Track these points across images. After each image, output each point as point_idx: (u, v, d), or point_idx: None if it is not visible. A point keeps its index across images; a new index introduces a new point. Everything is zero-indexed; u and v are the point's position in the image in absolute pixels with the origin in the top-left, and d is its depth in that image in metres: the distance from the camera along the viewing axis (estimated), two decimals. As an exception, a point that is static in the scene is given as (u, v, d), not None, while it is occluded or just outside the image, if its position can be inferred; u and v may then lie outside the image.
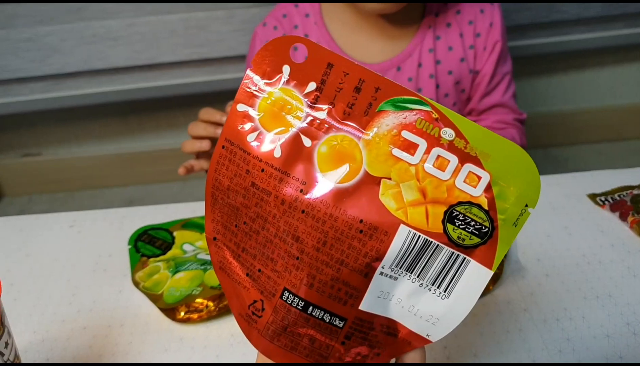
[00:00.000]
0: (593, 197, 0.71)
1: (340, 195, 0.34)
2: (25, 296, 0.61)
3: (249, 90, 0.35)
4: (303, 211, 0.35)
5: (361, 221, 0.34)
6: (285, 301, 0.36)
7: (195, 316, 0.55)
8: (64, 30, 1.21)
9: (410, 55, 0.82)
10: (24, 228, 0.72)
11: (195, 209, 0.72)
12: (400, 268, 0.35)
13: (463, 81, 0.85)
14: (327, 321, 0.36)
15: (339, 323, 0.36)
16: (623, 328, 0.54)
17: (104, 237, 0.69)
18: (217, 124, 0.74)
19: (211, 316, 0.56)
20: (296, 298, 0.35)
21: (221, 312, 0.56)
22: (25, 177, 1.57)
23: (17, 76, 1.27)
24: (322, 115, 0.35)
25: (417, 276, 0.35)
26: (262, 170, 0.35)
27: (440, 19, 0.83)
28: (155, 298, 0.57)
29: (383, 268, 0.35)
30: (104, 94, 1.32)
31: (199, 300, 0.56)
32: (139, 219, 0.71)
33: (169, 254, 0.64)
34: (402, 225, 0.34)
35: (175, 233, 0.67)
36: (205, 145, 0.73)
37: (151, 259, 0.63)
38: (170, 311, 0.56)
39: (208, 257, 0.62)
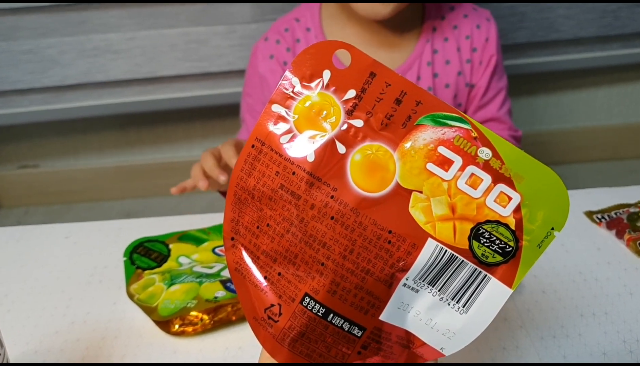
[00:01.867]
0: (590, 214, 0.71)
1: (370, 204, 0.34)
2: (19, 308, 0.60)
3: (286, 91, 0.35)
4: (332, 218, 0.34)
5: (390, 231, 0.34)
6: (306, 307, 0.35)
7: (189, 329, 0.55)
8: (64, 43, 1.22)
9: (410, 69, 0.83)
10: (20, 238, 0.72)
11: (192, 222, 0.72)
12: (423, 281, 0.35)
13: (459, 95, 0.86)
14: (347, 329, 0.35)
15: (358, 332, 0.36)
16: (619, 345, 0.53)
17: (99, 249, 0.69)
18: (226, 167, 0.73)
19: (206, 330, 0.55)
20: (317, 304, 0.35)
21: (216, 325, 0.55)
22: (22, 189, 1.56)
23: (17, 88, 1.27)
24: (359, 123, 0.35)
25: (439, 290, 0.35)
26: (293, 173, 0.35)
27: (437, 34, 0.84)
28: (149, 311, 0.57)
29: (407, 279, 0.35)
30: (103, 107, 1.32)
31: (193, 313, 0.55)
32: (135, 231, 0.70)
33: (165, 266, 0.64)
34: (430, 239, 0.34)
35: (171, 246, 0.67)
36: (202, 185, 0.71)
37: (146, 272, 0.63)
38: (164, 323, 0.55)
39: (204, 270, 0.62)
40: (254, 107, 0.88)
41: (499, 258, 0.34)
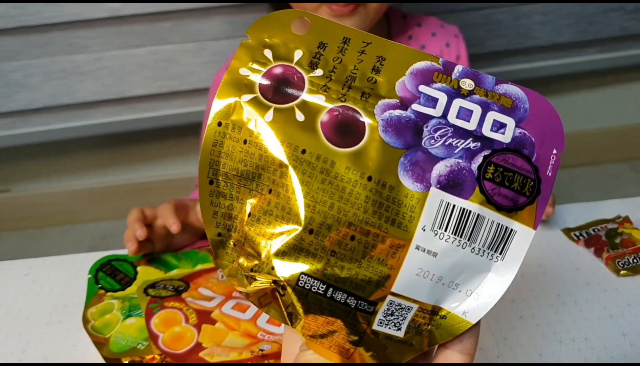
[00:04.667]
0: (567, 232, 0.69)
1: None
2: (-29, 354, 0.57)
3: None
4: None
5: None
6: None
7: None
8: (30, 66, 1.18)
9: None
10: (-24, 277, 0.68)
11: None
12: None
13: None
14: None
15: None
16: (600, 374, 0.52)
17: (60, 286, 0.66)
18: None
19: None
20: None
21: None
22: (-6, 215, 1.53)
23: (-18, 113, 1.24)
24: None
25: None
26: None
27: None
28: (101, 343, 0.54)
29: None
30: (73, 129, 1.29)
31: (143, 355, 0.53)
32: (98, 266, 0.68)
33: (128, 290, 0.61)
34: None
35: (139, 268, 0.65)
36: (129, 248, 0.64)
37: (108, 294, 0.61)
38: (114, 361, 0.53)
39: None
40: None
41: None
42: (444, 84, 0.32)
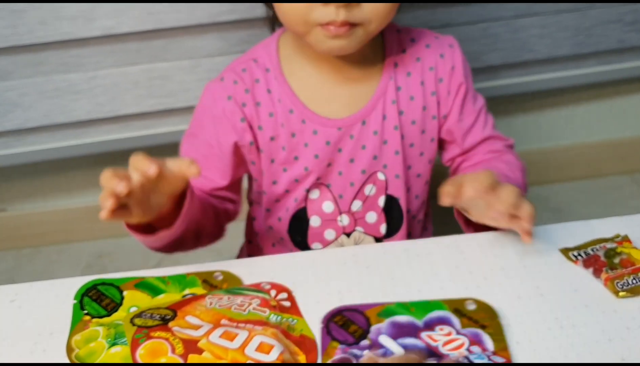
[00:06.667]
0: (565, 252, 0.67)
1: None
2: (-47, 385, 0.56)
3: None
4: None
5: None
6: None
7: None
8: (24, 85, 1.18)
9: (374, 109, 0.79)
10: (-39, 304, 0.67)
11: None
12: None
13: (428, 129, 0.83)
14: None
15: None
16: (599, 402, 0.50)
17: (46, 312, 0.64)
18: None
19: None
20: None
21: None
22: (-11, 234, 1.52)
23: (-24, 132, 1.23)
24: None
25: None
26: None
27: (400, 69, 0.80)
28: None
29: None
30: (68, 148, 1.28)
31: None
32: (86, 291, 0.66)
33: (114, 316, 0.60)
34: None
35: (125, 292, 0.64)
36: (106, 206, 0.57)
37: (94, 321, 0.60)
38: None
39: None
40: (199, 149, 0.82)
41: None
42: None
